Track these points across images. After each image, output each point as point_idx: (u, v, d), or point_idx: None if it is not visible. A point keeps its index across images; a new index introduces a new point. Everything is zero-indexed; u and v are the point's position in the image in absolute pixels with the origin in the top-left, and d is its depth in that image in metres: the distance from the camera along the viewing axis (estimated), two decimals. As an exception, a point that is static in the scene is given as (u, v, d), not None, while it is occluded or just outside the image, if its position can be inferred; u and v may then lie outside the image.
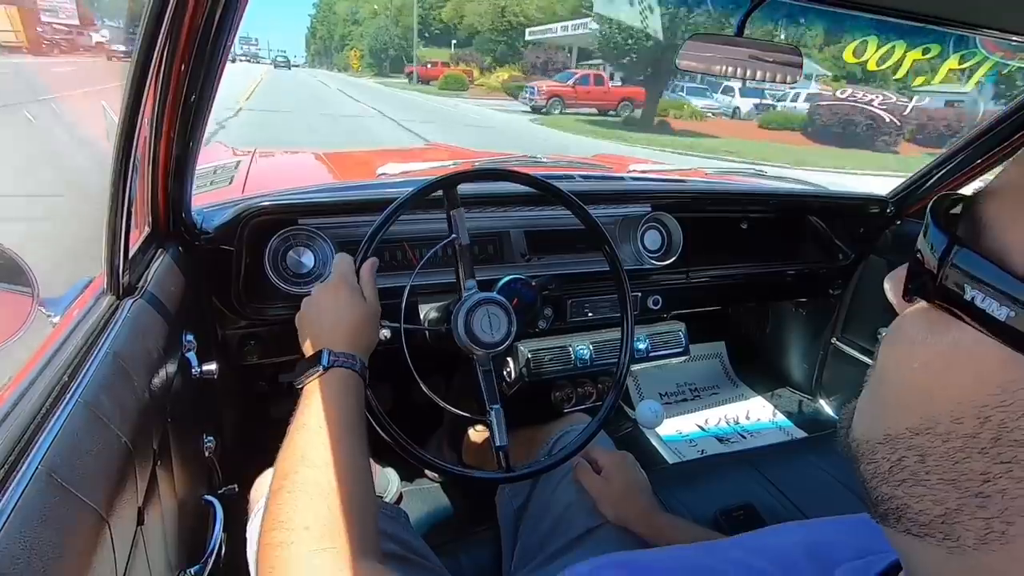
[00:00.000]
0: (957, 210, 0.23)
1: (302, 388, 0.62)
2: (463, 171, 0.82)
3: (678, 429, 1.55)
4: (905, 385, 0.23)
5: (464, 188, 0.81)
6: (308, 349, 0.66)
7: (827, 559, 0.32)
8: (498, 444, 0.78)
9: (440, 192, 0.80)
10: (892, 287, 0.25)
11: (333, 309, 0.67)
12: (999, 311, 0.19)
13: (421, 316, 0.97)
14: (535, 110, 16.27)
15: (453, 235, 0.81)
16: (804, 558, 0.32)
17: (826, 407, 1.62)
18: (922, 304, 0.23)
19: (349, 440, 0.56)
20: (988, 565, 0.20)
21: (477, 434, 1.20)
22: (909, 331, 0.24)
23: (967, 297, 0.20)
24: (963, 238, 0.21)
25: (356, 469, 0.55)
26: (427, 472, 1.28)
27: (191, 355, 0.75)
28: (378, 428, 0.73)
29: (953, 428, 0.20)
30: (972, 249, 0.20)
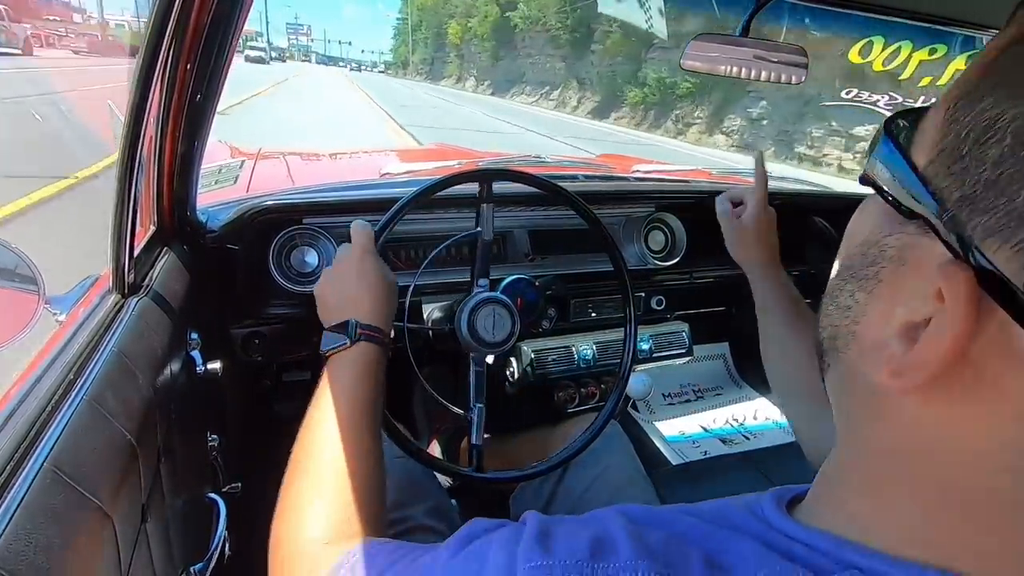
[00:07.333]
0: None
1: (326, 359, 0.60)
2: (492, 168, 0.82)
3: (681, 430, 1.54)
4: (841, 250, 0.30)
5: (466, 188, 0.81)
6: (330, 319, 0.63)
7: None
8: (474, 442, 0.78)
9: (449, 188, 0.80)
10: None
11: (357, 278, 0.63)
12: (884, 175, 0.25)
13: (424, 316, 0.97)
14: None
15: (479, 229, 0.81)
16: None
17: (830, 409, 1.61)
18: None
19: (368, 421, 0.56)
20: (849, 361, 0.27)
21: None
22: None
23: (875, 172, 0.26)
24: (896, 136, 0.26)
25: (376, 452, 0.55)
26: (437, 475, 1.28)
27: (196, 353, 0.75)
28: (384, 430, 0.73)
29: (848, 269, 0.27)
30: (888, 137, 0.26)
